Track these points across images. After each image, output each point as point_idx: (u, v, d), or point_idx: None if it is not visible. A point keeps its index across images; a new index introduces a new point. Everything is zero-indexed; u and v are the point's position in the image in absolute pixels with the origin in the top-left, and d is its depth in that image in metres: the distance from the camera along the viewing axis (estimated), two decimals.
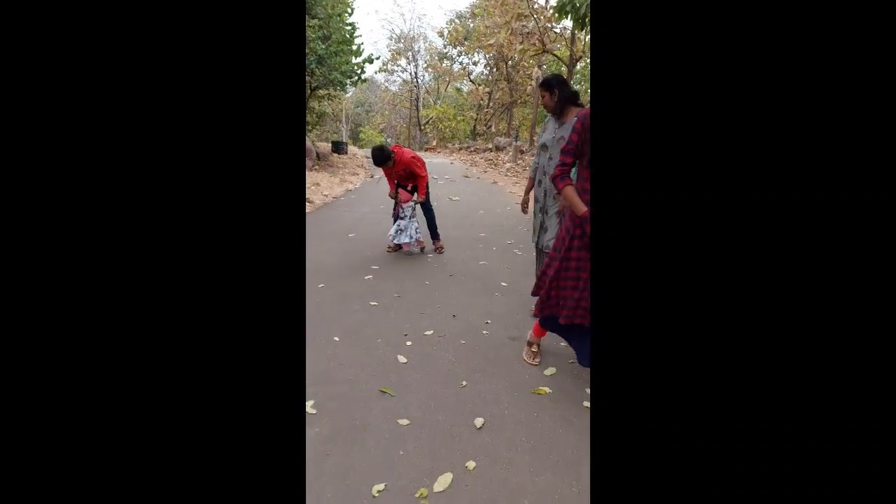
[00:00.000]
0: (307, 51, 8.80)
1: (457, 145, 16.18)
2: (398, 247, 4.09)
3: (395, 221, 4.03)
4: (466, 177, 9.35)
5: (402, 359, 2.21)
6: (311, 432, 1.66)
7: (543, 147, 2.64)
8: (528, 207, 3.11)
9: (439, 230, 4.21)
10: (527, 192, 3.03)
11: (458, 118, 18.45)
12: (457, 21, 18.22)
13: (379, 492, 1.41)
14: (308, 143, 8.59)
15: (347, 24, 10.11)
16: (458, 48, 18.63)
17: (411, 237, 3.98)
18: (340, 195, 6.90)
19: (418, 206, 4.05)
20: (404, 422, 1.74)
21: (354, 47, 10.24)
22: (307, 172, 7.80)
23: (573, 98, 2.48)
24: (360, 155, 11.91)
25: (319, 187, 7.03)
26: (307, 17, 8.80)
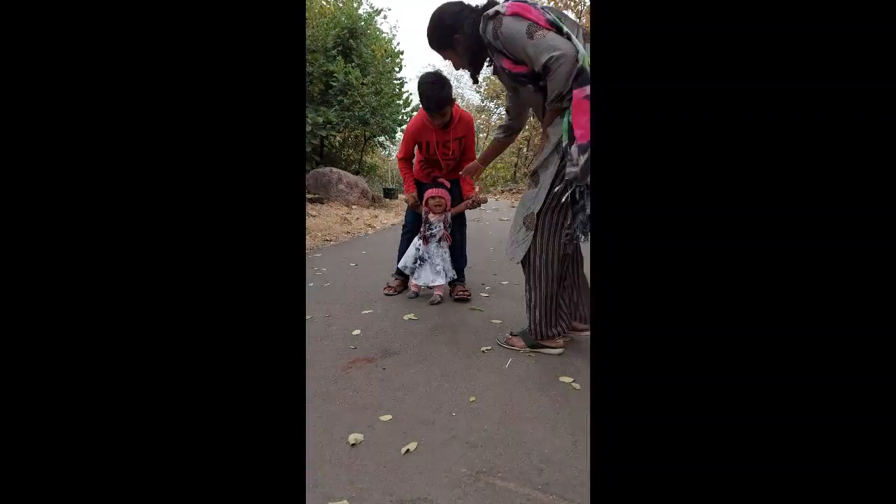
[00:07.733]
0: (362, 104, 9.81)
1: (499, 188, 16.81)
2: (404, 283, 2.53)
3: (420, 244, 2.43)
4: (513, 206, 9.77)
5: (486, 287, 2.54)
6: (422, 326, 1.97)
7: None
8: None
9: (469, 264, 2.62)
10: None
11: (498, 165, 19.25)
12: (492, 78, 19.44)
13: (485, 350, 1.72)
14: (364, 185, 9.34)
15: (396, 80, 11.22)
16: (496, 101, 19.79)
17: (444, 276, 2.38)
18: (398, 223, 7.44)
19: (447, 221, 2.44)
20: (497, 321, 2.08)
21: (401, 101, 11.27)
22: (365, 210, 8.45)
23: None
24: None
25: (378, 219, 7.62)
26: (361, 74, 9.88)
